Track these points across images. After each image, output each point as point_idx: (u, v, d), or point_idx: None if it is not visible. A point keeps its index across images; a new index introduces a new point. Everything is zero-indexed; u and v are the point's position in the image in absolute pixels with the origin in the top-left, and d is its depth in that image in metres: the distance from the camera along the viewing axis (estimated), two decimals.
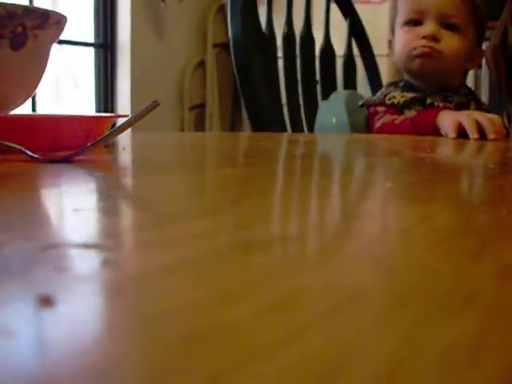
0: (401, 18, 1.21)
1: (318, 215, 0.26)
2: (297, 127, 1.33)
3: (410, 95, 1.18)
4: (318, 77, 1.46)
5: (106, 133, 0.44)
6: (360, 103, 1.25)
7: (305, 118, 1.37)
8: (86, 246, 0.17)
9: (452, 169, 0.48)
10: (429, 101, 1.17)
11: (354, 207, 0.28)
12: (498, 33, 1.99)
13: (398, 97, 1.18)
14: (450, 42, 1.16)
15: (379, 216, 0.25)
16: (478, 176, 0.44)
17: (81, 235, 0.19)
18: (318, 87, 1.46)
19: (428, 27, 1.15)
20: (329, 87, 1.46)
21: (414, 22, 1.18)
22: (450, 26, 1.16)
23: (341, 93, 1.39)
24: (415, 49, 1.16)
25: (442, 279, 0.15)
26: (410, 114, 1.13)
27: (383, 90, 1.25)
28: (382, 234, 0.21)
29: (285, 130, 1.28)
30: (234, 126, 3.50)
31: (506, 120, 2.21)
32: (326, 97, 1.41)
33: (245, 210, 0.25)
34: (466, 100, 1.21)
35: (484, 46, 2.41)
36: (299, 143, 0.78)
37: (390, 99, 1.18)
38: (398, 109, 1.16)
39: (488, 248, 0.19)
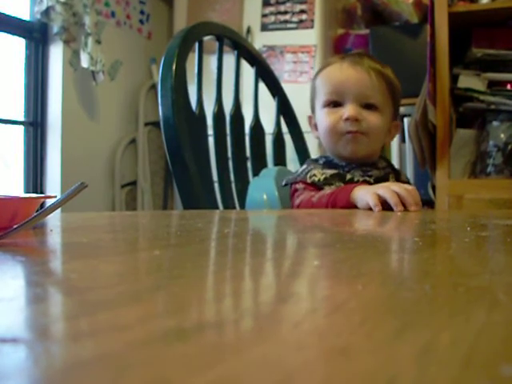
0: (321, 98, 1.24)
1: (245, 299, 0.26)
2: (228, 204, 1.34)
3: (330, 172, 1.20)
4: (248, 154, 1.48)
5: (34, 214, 0.44)
6: (283, 182, 1.26)
7: (236, 194, 1.38)
8: (3, 340, 0.17)
9: (378, 243, 0.49)
10: (349, 176, 1.19)
11: (282, 289, 0.28)
12: (419, 109, 2.09)
13: (319, 174, 1.20)
14: (371, 121, 1.20)
15: (306, 298, 0.26)
16: (404, 250, 0.46)
17: None
18: (249, 164, 1.48)
19: (349, 109, 1.18)
20: (259, 164, 1.49)
21: (334, 103, 1.21)
22: (368, 106, 1.20)
23: (271, 169, 1.42)
24: (341, 133, 1.20)
25: (364, 361, 0.16)
26: (328, 190, 1.14)
27: (304, 166, 1.26)
28: (307, 316, 0.21)
29: (216, 206, 1.28)
30: (166, 203, 3.49)
31: (431, 191, 2.30)
32: (256, 173, 1.43)
33: (170, 296, 0.25)
34: (385, 173, 1.25)
35: (406, 121, 2.53)
36: (229, 221, 0.79)
37: (310, 177, 1.20)
38: (318, 186, 1.18)
39: (410, 326, 0.20)
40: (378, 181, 1.17)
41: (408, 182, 1.28)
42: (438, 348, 0.17)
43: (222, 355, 0.16)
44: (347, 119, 1.18)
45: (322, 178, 1.19)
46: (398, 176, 1.28)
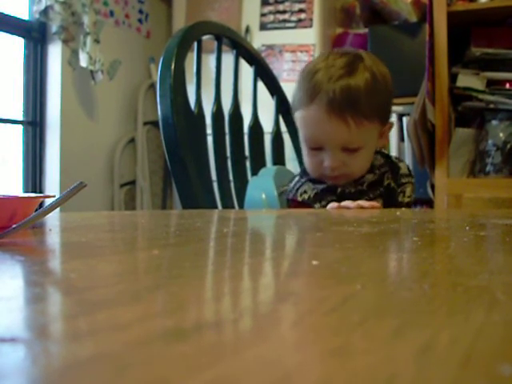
0: (302, 135, 1.17)
1: (243, 298, 0.26)
2: (227, 203, 1.34)
3: (320, 186, 1.17)
4: (247, 153, 1.48)
5: (32, 214, 0.44)
6: (279, 192, 1.23)
7: (235, 193, 1.38)
8: (2, 339, 0.17)
9: (377, 243, 0.49)
10: (340, 189, 1.16)
11: (281, 289, 0.28)
12: (418, 108, 2.09)
13: (309, 191, 1.17)
14: (356, 161, 1.14)
15: (304, 297, 0.26)
16: (403, 250, 0.46)
17: None
18: (248, 163, 1.48)
19: (329, 160, 1.12)
20: (258, 163, 1.49)
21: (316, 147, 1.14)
22: (351, 149, 1.13)
23: (270, 168, 1.42)
24: (324, 175, 1.15)
25: (363, 360, 0.16)
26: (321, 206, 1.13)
27: (296, 179, 1.22)
28: (306, 316, 0.21)
29: (215, 206, 1.28)
30: (165, 202, 3.49)
31: (430, 190, 2.30)
32: (255, 172, 1.43)
33: (169, 295, 0.25)
34: (380, 175, 1.20)
35: (405, 120, 2.53)
36: (228, 221, 0.79)
37: (301, 195, 1.17)
38: (309, 204, 1.15)
39: (409, 326, 0.20)
40: (371, 186, 1.15)
41: (409, 174, 1.22)
42: (437, 347, 0.17)
43: (220, 355, 0.16)
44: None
45: (312, 194, 1.16)
46: (397, 172, 1.21)
